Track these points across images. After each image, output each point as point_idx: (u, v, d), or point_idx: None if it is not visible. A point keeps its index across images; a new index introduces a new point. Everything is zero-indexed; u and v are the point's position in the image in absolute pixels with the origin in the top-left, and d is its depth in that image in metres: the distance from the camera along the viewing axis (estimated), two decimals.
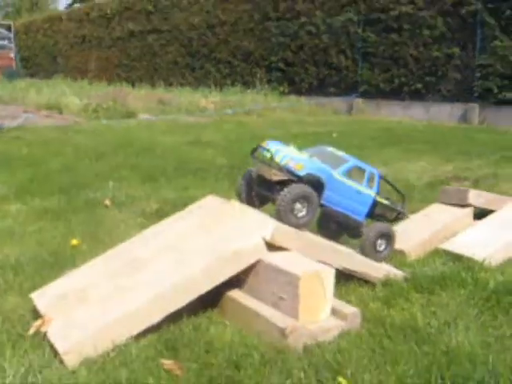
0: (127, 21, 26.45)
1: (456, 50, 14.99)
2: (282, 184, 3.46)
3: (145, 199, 5.86)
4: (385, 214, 3.98)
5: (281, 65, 19.36)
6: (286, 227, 3.30)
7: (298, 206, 3.40)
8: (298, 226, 3.39)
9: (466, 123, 14.42)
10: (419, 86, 15.74)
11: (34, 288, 3.52)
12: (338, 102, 17.26)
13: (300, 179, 3.45)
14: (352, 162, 3.77)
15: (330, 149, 3.89)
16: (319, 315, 3.01)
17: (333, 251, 3.44)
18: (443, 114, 15.00)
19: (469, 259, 3.98)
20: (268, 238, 3.20)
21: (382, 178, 3.98)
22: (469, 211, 4.71)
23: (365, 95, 17.00)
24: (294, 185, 3.41)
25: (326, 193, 3.57)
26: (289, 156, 3.49)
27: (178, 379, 2.60)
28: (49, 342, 2.93)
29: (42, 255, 4.25)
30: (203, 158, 8.38)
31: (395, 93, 16.27)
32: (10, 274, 3.92)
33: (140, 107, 15.84)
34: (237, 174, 5.97)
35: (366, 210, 3.81)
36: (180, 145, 9.72)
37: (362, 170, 3.81)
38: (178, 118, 14.69)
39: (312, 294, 2.98)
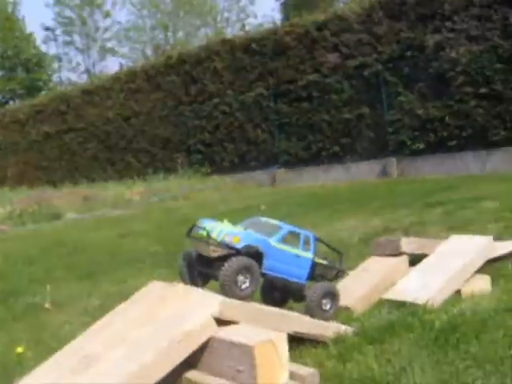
0: (41, 123, 26.38)
1: (366, 109, 15.61)
2: (222, 259, 3.52)
3: (85, 297, 5.78)
4: (325, 273, 4.08)
5: (200, 147, 19.61)
6: (232, 301, 3.34)
7: (240, 277, 3.46)
8: (242, 298, 3.45)
9: (385, 177, 14.89)
10: (336, 148, 16.21)
11: None
12: (261, 175, 17.54)
13: (239, 252, 3.52)
14: (286, 228, 3.88)
15: (263, 219, 4.00)
16: (278, 380, 3.03)
17: (281, 317, 3.49)
18: (363, 171, 15.46)
19: (412, 304, 4.10)
20: (216, 313, 3.24)
21: (316, 239, 4.10)
22: (404, 259, 4.87)
23: (285, 165, 17.35)
24: (233, 258, 3.48)
25: (266, 261, 3.66)
26: (224, 231, 3.57)
27: None
28: None
29: None
30: (136, 247, 8.35)
31: (314, 159, 16.68)
32: None
33: (65, 207, 15.68)
34: (172, 259, 5.99)
35: (306, 272, 3.91)
36: (111, 238, 9.65)
37: (296, 235, 3.92)
38: (105, 213, 14.60)
39: (268, 361, 3.01)
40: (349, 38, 15.78)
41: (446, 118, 14.03)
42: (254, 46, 17.95)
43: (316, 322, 3.66)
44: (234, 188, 16.52)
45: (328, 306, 3.93)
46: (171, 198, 15.82)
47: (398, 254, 4.90)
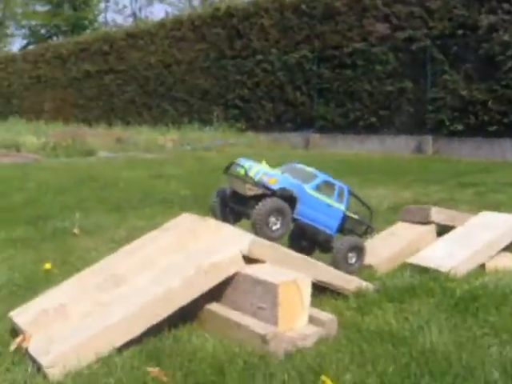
0: (83, 61, 26.53)
1: (408, 84, 15.45)
2: (256, 199, 3.57)
3: (113, 227, 5.89)
4: (354, 228, 4.11)
5: (238, 102, 19.64)
6: (261, 240, 3.39)
7: (272, 219, 3.52)
8: (272, 239, 3.50)
9: (420, 154, 14.80)
10: (374, 119, 16.13)
11: (10, 311, 3.51)
12: (295, 137, 17.55)
13: (274, 193, 3.57)
14: (322, 177, 3.92)
15: (300, 165, 4.03)
16: (297, 323, 3.10)
17: (306, 263, 3.54)
18: (398, 146, 15.38)
19: (435, 271, 4.12)
20: (245, 251, 3.29)
21: (350, 193, 4.12)
22: (432, 228, 4.87)
23: (321, 130, 17.33)
24: (268, 199, 3.53)
25: (299, 207, 3.70)
26: (262, 171, 3.62)
27: None
28: (31, 357, 2.94)
29: (14, 280, 4.26)
30: (167, 189, 8.44)
31: (351, 127, 16.64)
32: None
33: (99, 145, 15.85)
34: (202, 203, 6.07)
35: (336, 223, 3.94)
36: (143, 179, 9.77)
37: (331, 185, 3.95)
38: (137, 155, 14.73)
39: (290, 302, 3.07)
40: (400, 10, 15.56)
41: (490, 102, 13.85)
42: (303, 7, 17.80)
43: (340, 273, 3.71)
44: (267, 146, 16.54)
45: (353, 260, 3.97)
46: (204, 148, 15.89)
47: (426, 222, 4.91)
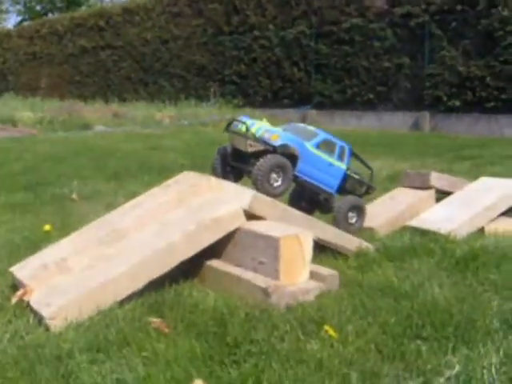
0: (79, 37, 26.34)
1: (406, 60, 15.40)
2: (257, 156, 3.56)
3: (112, 194, 5.88)
4: (355, 189, 4.10)
5: (234, 78, 19.55)
6: (263, 196, 3.38)
7: (273, 175, 3.51)
8: (273, 196, 3.49)
9: (417, 130, 14.79)
10: (371, 95, 16.09)
11: (10, 268, 3.51)
12: (292, 114, 17.47)
13: (275, 150, 3.55)
14: (323, 135, 3.90)
15: (301, 125, 4.02)
16: (299, 277, 3.09)
17: (308, 221, 3.53)
18: (395, 122, 15.36)
19: (435, 233, 4.14)
20: (246, 206, 3.28)
21: (352, 152, 4.11)
22: (431, 193, 4.87)
23: (318, 106, 17.28)
24: (269, 155, 3.52)
25: (300, 164, 3.69)
26: (264, 128, 3.61)
27: (167, 335, 2.65)
28: (32, 310, 2.94)
29: (14, 240, 4.26)
30: (165, 160, 8.42)
31: (348, 103, 16.59)
32: None
33: (95, 120, 15.80)
34: (200, 171, 6.04)
35: (337, 182, 3.94)
36: (141, 150, 9.75)
37: (333, 144, 3.95)
38: (134, 130, 14.68)
39: (292, 256, 3.07)
40: None
41: (488, 78, 13.81)
42: None
43: (341, 232, 3.71)
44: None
45: (354, 220, 3.98)
46: (201, 124, 15.84)
47: (426, 187, 4.91)
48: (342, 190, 4.04)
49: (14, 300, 3.05)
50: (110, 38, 24.64)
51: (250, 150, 3.58)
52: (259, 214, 3.32)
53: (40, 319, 2.85)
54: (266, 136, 3.58)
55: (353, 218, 3.98)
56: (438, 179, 4.93)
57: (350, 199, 4.00)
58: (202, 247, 3.16)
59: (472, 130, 13.71)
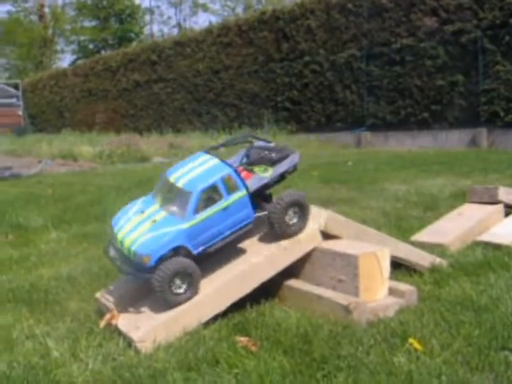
0: (132, 72, 26.99)
1: (459, 77, 15.28)
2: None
3: None
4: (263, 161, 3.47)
5: (287, 104, 19.70)
6: (338, 216, 3.45)
7: (177, 281, 3.09)
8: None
9: (475, 147, 14.61)
10: (426, 115, 15.99)
11: (92, 295, 3.65)
12: (346, 137, 17.51)
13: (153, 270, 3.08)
14: (196, 192, 3.10)
15: (169, 179, 3.30)
16: (378, 294, 3.14)
17: (382, 239, 3.58)
18: (451, 140, 15.22)
19: (508, 247, 4.11)
20: (322, 227, 3.36)
21: (251, 148, 3.68)
22: (500, 208, 4.84)
23: (372, 128, 17.26)
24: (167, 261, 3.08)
25: (196, 246, 3.14)
26: (137, 241, 3.14)
27: (255, 353, 2.72)
28: (120, 333, 3.06)
29: (92, 269, 4.41)
30: None
31: (402, 123, 16.52)
32: (67, 284, 4.08)
33: (152, 151, 16.14)
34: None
35: (250, 207, 3.22)
36: None
37: (213, 188, 3.15)
38: None
39: (370, 273, 3.12)
40: (448, 3, 15.39)
41: None
42: (349, 5, 17.75)
43: (413, 249, 3.74)
44: (318, 146, 16.55)
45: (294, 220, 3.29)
46: None
47: (494, 202, 4.88)
48: (264, 195, 3.43)
49: (102, 324, 3.18)
50: (163, 71, 25.16)
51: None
52: (334, 233, 3.39)
53: (130, 342, 2.96)
54: (137, 259, 3.09)
55: (293, 218, 3.29)
56: (506, 194, 4.90)
57: (290, 194, 3.29)
58: (282, 268, 3.25)
59: None
